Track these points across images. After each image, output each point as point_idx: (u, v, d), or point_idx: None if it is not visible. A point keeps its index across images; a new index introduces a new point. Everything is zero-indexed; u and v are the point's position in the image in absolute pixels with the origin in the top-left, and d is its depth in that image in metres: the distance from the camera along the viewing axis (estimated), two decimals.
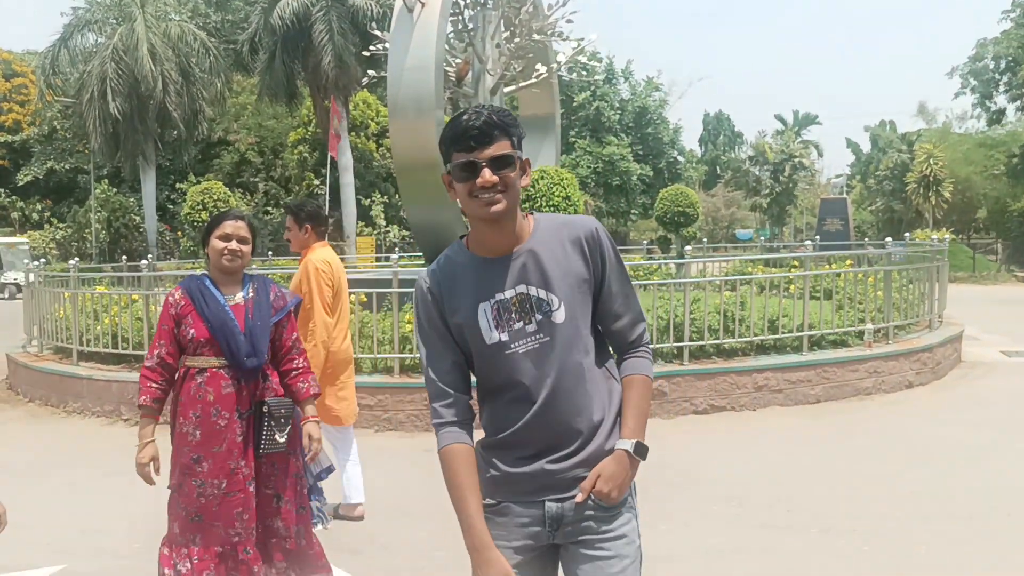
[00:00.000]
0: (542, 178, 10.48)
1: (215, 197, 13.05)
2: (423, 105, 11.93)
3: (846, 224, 34.39)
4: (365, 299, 9.28)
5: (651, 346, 2.48)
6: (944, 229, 31.03)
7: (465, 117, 2.21)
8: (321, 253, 5.58)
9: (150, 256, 26.73)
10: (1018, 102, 40.19)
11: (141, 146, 34.90)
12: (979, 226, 40.55)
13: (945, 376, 10.68)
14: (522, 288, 2.26)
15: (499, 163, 2.19)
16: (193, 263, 20.35)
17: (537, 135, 16.83)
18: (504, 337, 2.25)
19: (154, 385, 3.77)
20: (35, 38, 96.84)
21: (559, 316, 2.26)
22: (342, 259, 22.34)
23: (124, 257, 25.51)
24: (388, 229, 35.59)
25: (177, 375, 3.84)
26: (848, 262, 13.67)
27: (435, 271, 2.35)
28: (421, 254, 14.04)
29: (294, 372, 3.93)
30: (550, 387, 2.25)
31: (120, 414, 9.19)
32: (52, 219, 43.24)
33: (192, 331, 3.76)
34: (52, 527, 5.77)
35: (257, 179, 41.26)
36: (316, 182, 36.11)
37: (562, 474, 2.27)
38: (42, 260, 14.32)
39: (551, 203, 10.23)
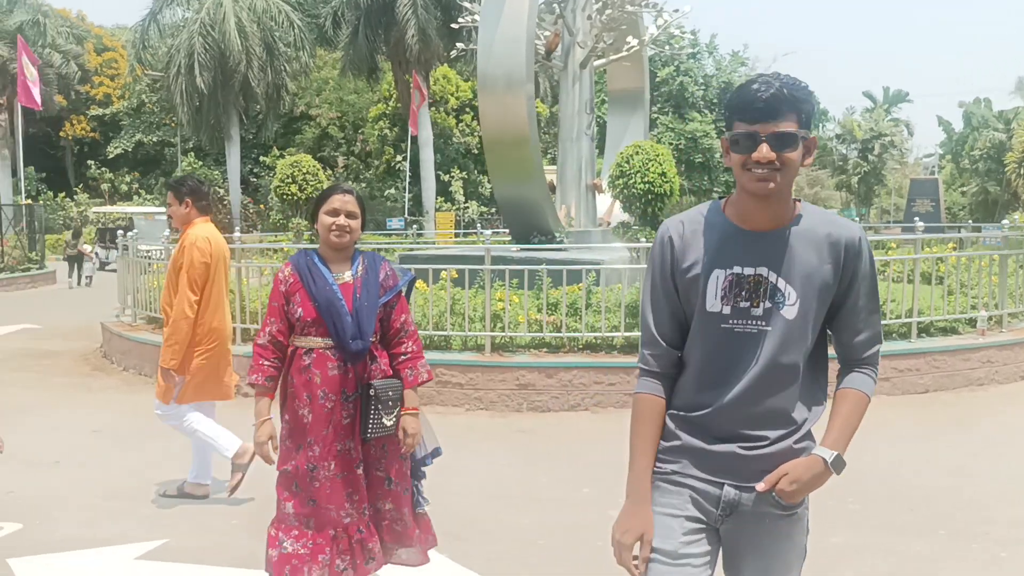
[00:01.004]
0: (637, 153, 10.17)
1: (304, 170, 13.03)
2: (513, 79, 11.69)
3: (937, 206, 33.15)
4: (456, 275, 9.12)
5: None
6: None
7: (755, 86, 2.12)
8: (202, 229, 5.63)
9: (237, 229, 27.38)
10: None
11: (225, 120, 35.45)
12: None
13: None
14: (763, 270, 2.18)
15: (780, 141, 2.10)
16: (275, 235, 20.55)
17: (626, 110, 16.49)
18: (726, 310, 2.20)
19: (266, 363, 3.63)
20: (125, 12, 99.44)
21: (790, 312, 2.19)
22: (420, 235, 22.35)
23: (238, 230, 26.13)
24: (467, 205, 35.49)
25: (288, 354, 3.69)
26: (951, 245, 13.05)
27: (682, 223, 2.29)
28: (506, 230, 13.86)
29: (403, 357, 3.75)
30: (753, 379, 2.18)
31: None
32: (140, 191, 44.33)
33: (300, 310, 3.61)
34: (151, 499, 5.75)
35: (337, 153, 41.57)
36: (398, 158, 36.18)
37: (749, 463, 2.21)
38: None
39: (646, 179, 9.92)
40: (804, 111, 2.12)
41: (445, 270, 9.31)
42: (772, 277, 2.17)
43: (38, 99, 29.55)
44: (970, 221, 30.87)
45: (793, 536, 2.29)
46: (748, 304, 2.17)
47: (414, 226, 28.33)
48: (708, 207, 2.30)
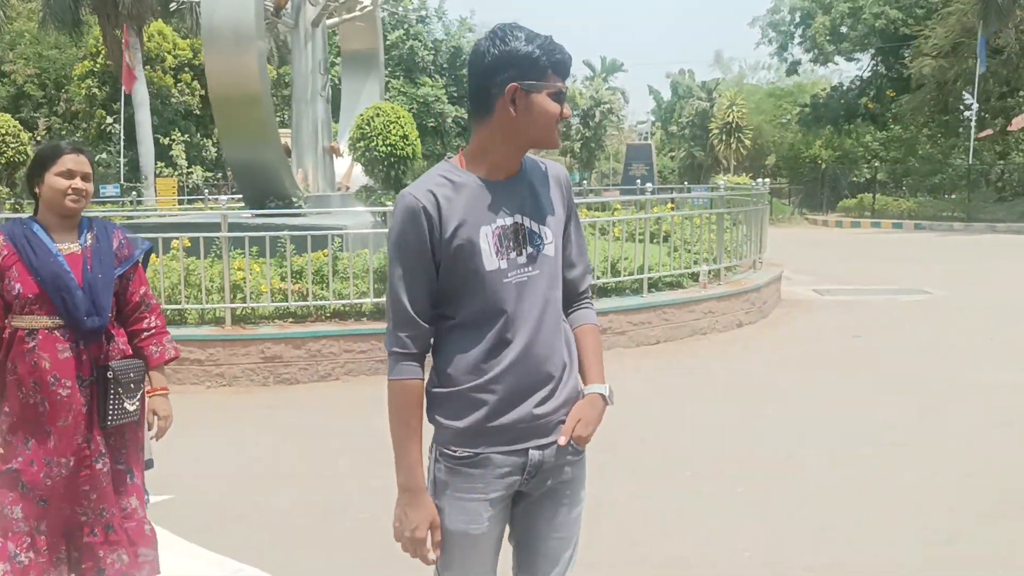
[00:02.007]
0: (377, 115, 9.93)
1: (3, 131, 11.58)
2: (242, 34, 11.02)
3: (651, 169, 35.62)
4: (189, 244, 8.51)
5: None
6: (743, 175, 32.57)
7: (556, 43, 2.16)
8: None
9: None
10: (810, 54, 42.60)
11: None
12: (769, 172, 43.05)
13: (770, 314, 11.13)
14: (519, 218, 2.18)
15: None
16: None
17: (360, 71, 16.12)
18: (503, 264, 2.14)
19: None
20: None
21: (549, 250, 2.21)
22: (139, 203, 21.05)
23: None
24: (191, 170, 33.43)
25: (3, 337, 3.18)
26: (669, 206, 13.97)
27: (430, 191, 2.14)
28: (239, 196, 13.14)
29: (145, 333, 3.36)
30: (535, 323, 2.16)
31: None
32: None
33: (18, 286, 3.12)
34: None
35: (38, 114, 37.67)
36: (109, 119, 33.32)
37: (547, 418, 2.19)
38: None
39: (387, 142, 9.72)
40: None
41: (177, 239, 8.65)
42: (527, 222, 2.18)
43: None
44: (685, 183, 33.42)
45: (583, 476, 2.33)
46: (515, 254, 2.15)
47: (132, 193, 26.29)
48: (444, 168, 2.21)
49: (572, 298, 2.36)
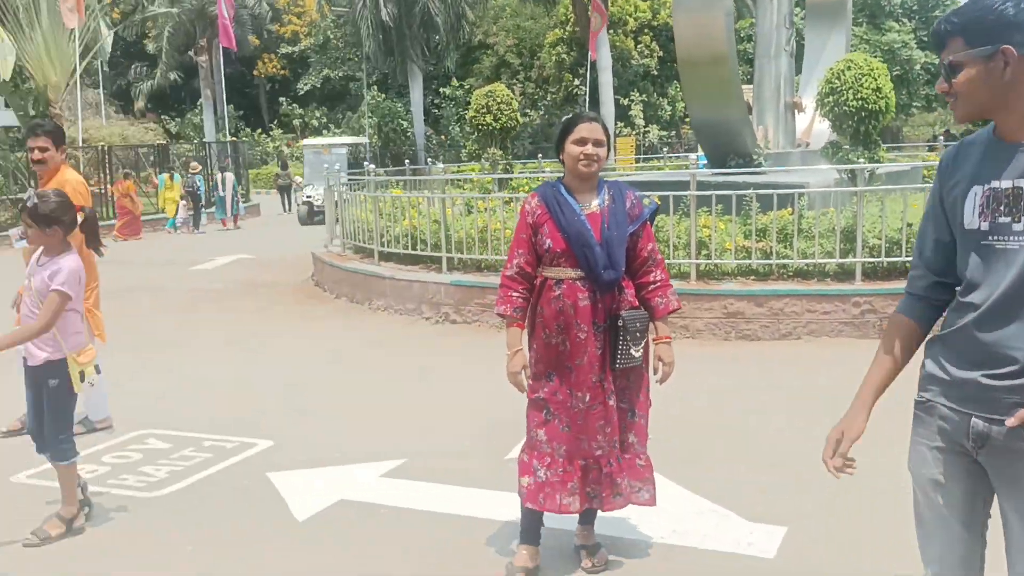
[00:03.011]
0: (848, 68, 9.56)
1: (499, 100, 13.08)
2: None
3: None
4: (659, 201, 8.96)
5: None
6: None
7: None
8: (73, 174, 5.68)
9: (431, 161, 27.69)
10: None
11: (409, 52, 36.12)
12: None
13: None
14: (1021, 182, 2.05)
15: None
16: (459, 167, 20.90)
17: (825, 23, 15.60)
18: (984, 226, 2.09)
19: (515, 294, 3.67)
20: None
21: None
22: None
23: (409, 160, 26.92)
24: (647, 129, 34.87)
25: (535, 284, 3.72)
26: None
27: (958, 146, 2.24)
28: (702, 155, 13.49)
29: (651, 285, 3.70)
30: (1001, 294, 2.05)
31: (421, 312, 9.57)
32: (329, 125, 46.07)
33: (548, 241, 3.62)
34: (390, 420, 6.05)
35: (515, 81, 41.63)
36: (575, 82, 35.84)
37: (995, 392, 2.07)
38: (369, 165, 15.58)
39: (859, 96, 9.33)
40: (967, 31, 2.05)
41: (647, 196, 9.14)
42: None
43: (233, 40, 31.13)
44: None
45: None
46: (1009, 219, 2.05)
47: None
48: (987, 128, 2.18)
49: None
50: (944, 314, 2.27)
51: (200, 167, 23.83)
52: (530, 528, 3.77)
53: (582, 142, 3.61)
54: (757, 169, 10.88)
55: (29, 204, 4.16)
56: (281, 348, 8.53)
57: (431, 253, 9.95)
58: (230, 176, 23.48)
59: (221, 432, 5.78)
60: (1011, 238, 2.05)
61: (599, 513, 3.84)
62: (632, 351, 3.61)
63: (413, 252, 10.20)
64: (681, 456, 5.09)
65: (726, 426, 5.79)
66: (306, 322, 9.84)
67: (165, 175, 23.54)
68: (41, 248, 4.28)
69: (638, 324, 3.61)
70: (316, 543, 4.14)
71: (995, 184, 2.08)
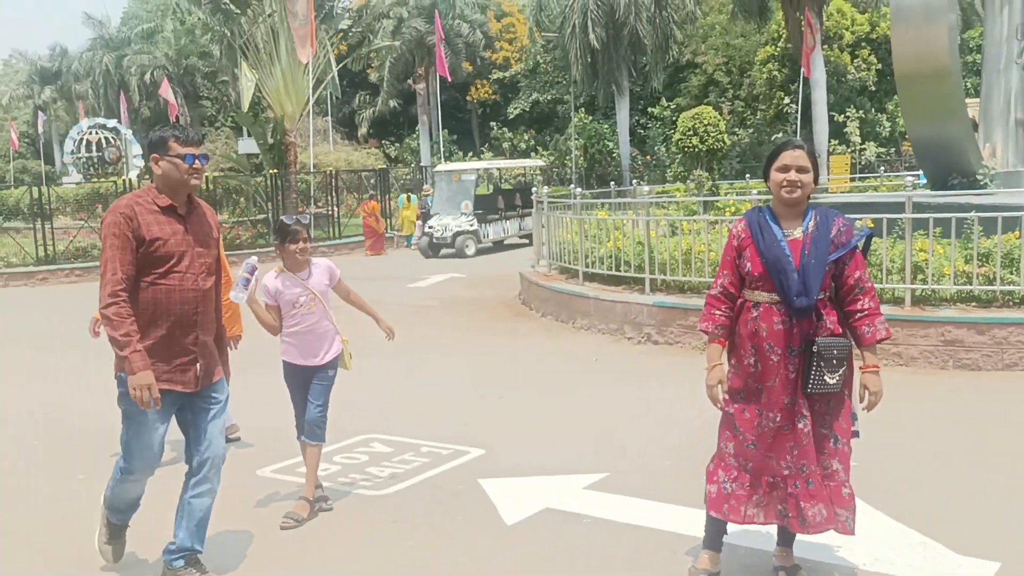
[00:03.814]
0: None
1: (705, 122, 13.16)
2: (932, 7, 10.83)
3: None
4: (872, 225, 8.73)
5: None
6: None
7: None
8: None
9: (636, 182, 27.82)
10: None
11: (615, 74, 36.51)
12: None
13: None
14: None
15: None
16: (663, 187, 20.87)
17: None
18: None
19: (717, 312, 3.81)
20: None
21: None
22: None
23: (614, 182, 26.90)
24: (864, 147, 33.38)
25: (736, 305, 3.84)
26: None
27: None
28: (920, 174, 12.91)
29: (859, 314, 3.71)
30: None
31: (623, 332, 9.76)
32: (537, 147, 47.22)
33: (749, 265, 3.73)
34: (593, 435, 6.29)
35: (723, 100, 41.06)
36: (786, 100, 34.92)
37: None
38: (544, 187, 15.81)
39: None
40: None
41: (860, 218, 8.93)
42: None
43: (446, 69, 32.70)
44: None
45: None
46: None
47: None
48: None
49: None
50: None
51: (432, 189, 24.63)
52: (713, 535, 3.91)
53: (785, 169, 3.70)
54: (981, 190, 10.32)
55: (304, 222, 4.82)
56: (491, 363, 8.97)
57: (634, 274, 10.13)
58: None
59: (437, 439, 6.22)
60: None
61: (800, 536, 3.89)
62: (827, 377, 3.64)
63: (617, 273, 10.42)
64: (888, 484, 4.99)
65: (939, 455, 5.60)
66: (513, 340, 10.27)
67: (404, 196, 25.08)
68: (281, 270, 4.89)
69: (835, 351, 3.63)
70: (522, 547, 4.42)
71: None
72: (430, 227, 21.32)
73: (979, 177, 11.04)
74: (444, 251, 20.98)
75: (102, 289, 3.78)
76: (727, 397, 3.82)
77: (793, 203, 3.74)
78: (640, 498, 4.97)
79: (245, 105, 27.95)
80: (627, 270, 10.28)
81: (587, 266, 10.97)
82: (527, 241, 20.49)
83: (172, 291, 3.90)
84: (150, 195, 3.94)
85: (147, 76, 48.10)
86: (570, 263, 11.56)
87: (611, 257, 10.54)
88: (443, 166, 25.37)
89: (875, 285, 8.35)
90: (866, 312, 3.70)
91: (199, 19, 39.62)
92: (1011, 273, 8.03)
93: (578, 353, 9.27)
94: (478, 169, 24.33)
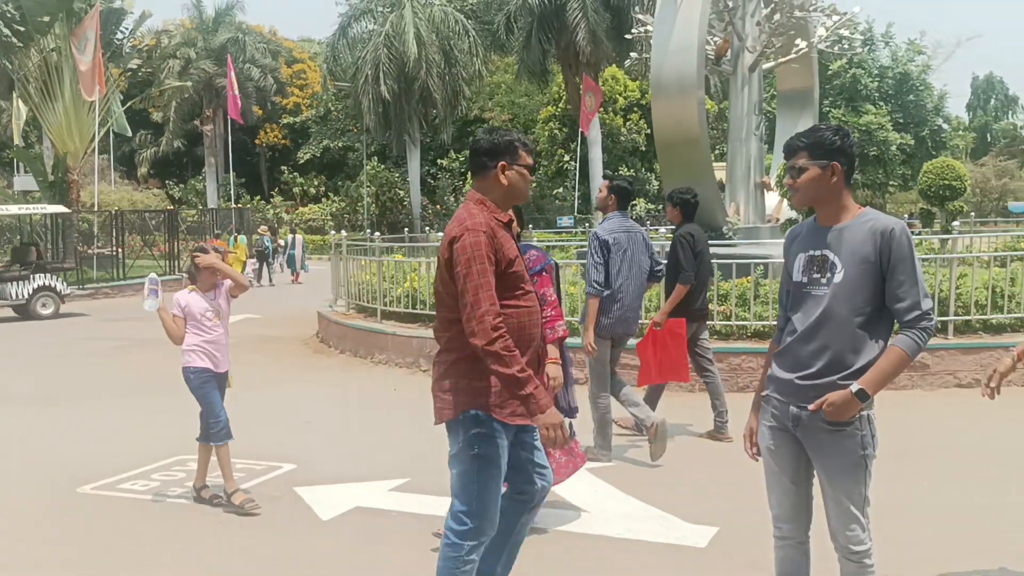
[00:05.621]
0: None
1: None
2: (685, 85, 12.50)
3: None
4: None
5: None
6: None
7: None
8: None
9: (428, 229, 28.74)
10: None
11: (407, 125, 37.70)
12: None
13: None
14: (825, 251, 3.18)
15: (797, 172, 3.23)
16: None
17: (795, 108, 16.94)
18: (804, 280, 3.22)
19: None
20: (310, 26, 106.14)
21: (838, 278, 3.14)
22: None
23: (407, 229, 27.76)
24: (635, 203, 36.21)
25: None
26: None
27: (792, 229, 3.45)
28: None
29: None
30: (810, 325, 3.15)
31: (419, 365, 10.58)
32: (328, 193, 47.52)
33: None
34: (386, 449, 7.04)
35: None
36: (566, 157, 37.38)
37: (804, 389, 3.17)
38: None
39: None
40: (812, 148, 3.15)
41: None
42: (830, 255, 3.16)
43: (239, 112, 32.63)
44: None
45: (844, 446, 3.14)
46: (819, 275, 3.16)
47: (585, 224, 29.40)
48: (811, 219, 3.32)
49: (901, 325, 3.13)
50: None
51: (267, 230, 28.01)
52: None
53: None
54: (726, 241, 12.03)
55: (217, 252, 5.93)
56: (294, 393, 9.53)
57: (429, 312, 10.99)
58: (300, 238, 26.91)
59: (251, 458, 6.75)
60: (816, 287, 3.18)
61: (567, 512, 4.84)
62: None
63: (413, 311, 11.27)
64: (640, 476, 6.05)
65: (678, 456, 6.76)
66: (314, 373, 10.85)
67: (232, 237, 25.30)
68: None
69: None
70: (339, 536, 5.11)
71: (812, 252, 3.23)
72: None
73: (724, 231, 12.79)
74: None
75: (479, 321, 3.34)
76: None
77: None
78: (438, 496, 5.76)
79: (16, 139, 26.74)
80: (422, 308, 11.14)
81: (385, 305, 11.74)
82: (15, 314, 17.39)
83: (533, 312, 3.62)
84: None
85: None
86: (368, 302, 12.29)
87: (407, 296, 11.38)
88: None
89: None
90: (546, 319, 4.78)
91: None
92: (744, 311, 9.56)
93: (378, 384, 10.00)
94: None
